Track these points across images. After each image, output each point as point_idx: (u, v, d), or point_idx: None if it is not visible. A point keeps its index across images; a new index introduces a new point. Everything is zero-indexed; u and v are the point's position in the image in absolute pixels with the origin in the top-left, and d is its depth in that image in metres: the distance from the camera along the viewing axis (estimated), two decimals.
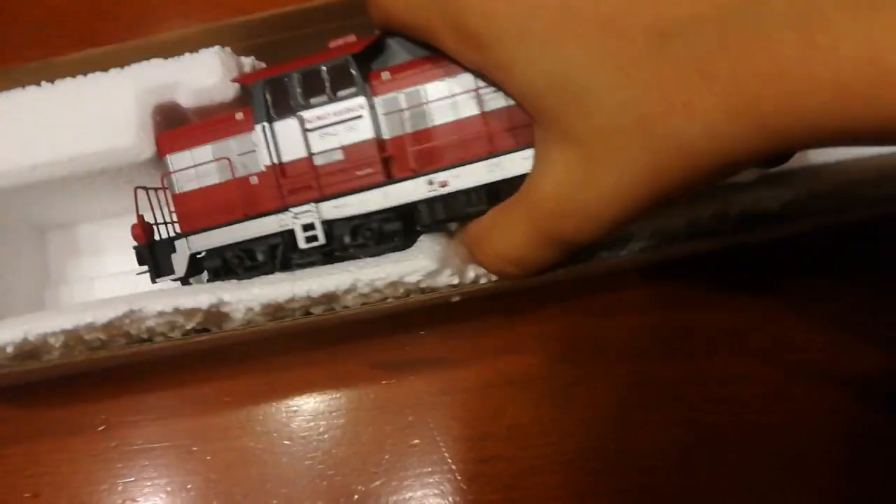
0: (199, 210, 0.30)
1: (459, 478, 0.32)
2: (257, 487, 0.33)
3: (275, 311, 0.29)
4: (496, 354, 0.34)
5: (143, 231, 0.30)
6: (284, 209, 0.29)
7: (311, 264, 0.29)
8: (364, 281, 0.28)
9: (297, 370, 0.34)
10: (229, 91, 0.31)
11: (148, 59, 0.31)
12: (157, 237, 0.31)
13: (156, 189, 0.31)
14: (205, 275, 0.31)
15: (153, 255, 0.30)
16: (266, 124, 0.28)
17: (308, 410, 0.34)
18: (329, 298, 0.28)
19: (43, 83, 0.31)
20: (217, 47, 0.32)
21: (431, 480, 0.32)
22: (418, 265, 0.28)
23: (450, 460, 0.33)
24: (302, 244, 0.29)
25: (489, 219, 0.27)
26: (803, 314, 0.33)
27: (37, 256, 0.36)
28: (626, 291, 0.34)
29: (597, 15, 0.21)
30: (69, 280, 0.36)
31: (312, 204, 0.28)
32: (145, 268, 0.30)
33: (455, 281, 0.29)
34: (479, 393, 0.34)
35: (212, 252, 0.30)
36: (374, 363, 0.34)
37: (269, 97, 0.28)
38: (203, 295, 0.28)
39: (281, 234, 0.29)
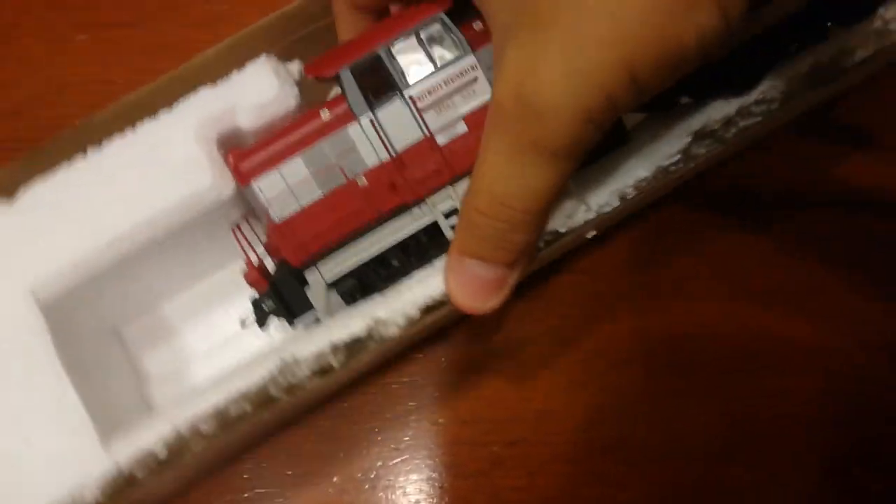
0: (309, 234, 0.26)
1: (481, 460, 0.31)
2: None
3: (433, 307, 0.26)
4: (529, 336, 0.32)
5: (261, 274, 0.26)
6: (417, 202, 0.26)
7: None
8: None
9: None
10: (290, 99, 0.28)
11: (194, 88, 0.28)
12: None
13: (247, 224, 0.27)
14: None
15: (282, 298, 0.26)
16: (370, 114, 0.25)
17: None
18: None
19: (89, 150, 0.27)
20: (263, 56, 0.28)
21: (453, 461, 0.31)
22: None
23: (473, 442, 0.31)
24: (449, 233, 0.26)
25: (473, 173, 0.23)
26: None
27: (121, 359, 0.31)
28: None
29: None
30: (161, 375, 0.32)
31: (449, 187, 0.25)
32: (251, 317, 0.27)
33: (592, 215, 0.26)
34: (509, 374, 0.32)
35: (345, 275, 0.26)
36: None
37: (362, 83, 0.25)
38: (356, 320, 0.25)
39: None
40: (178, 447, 0.24)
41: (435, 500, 0.31)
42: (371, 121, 0.25)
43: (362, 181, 0.25)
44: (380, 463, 0.31)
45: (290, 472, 0.31)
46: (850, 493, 0.31)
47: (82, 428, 0.24)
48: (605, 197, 0.27)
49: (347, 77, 0.25)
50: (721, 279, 0.33)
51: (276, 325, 0.28)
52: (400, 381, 0.32)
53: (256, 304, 0.27)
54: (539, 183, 0.21)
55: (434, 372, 0.32)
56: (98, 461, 0.24)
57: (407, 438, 0.31)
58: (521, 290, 0.30)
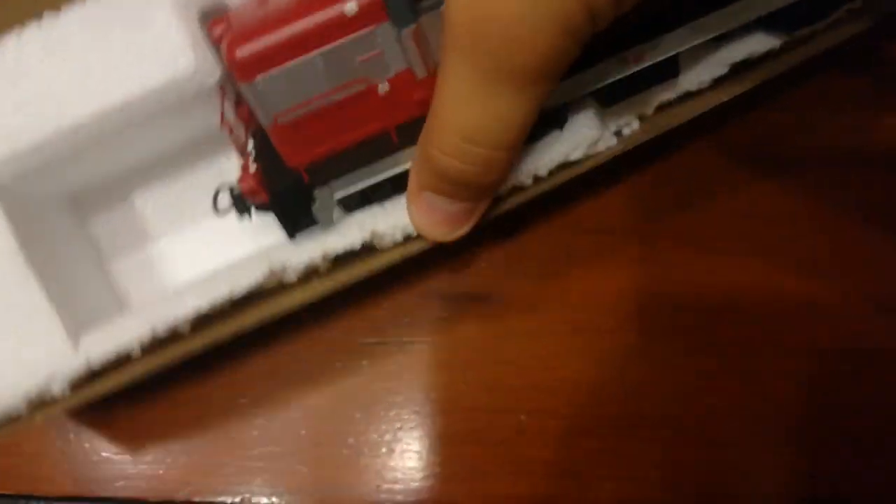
0: (316, 140, 0.23)
1: (505, 429, 0.30)
2: None
3: None
4: (561, 298, 0.31)
5: (259, 184, 0.24)
6: None
7: None
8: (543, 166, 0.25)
9: None
10: None
11: None
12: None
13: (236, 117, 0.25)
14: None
15: (285, 213, 0.24)
16: (413, 19, 0.21)
17: None
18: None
19: (45, 16, 0.24)
20: None
21: (474, 427, 0.30)
22: (584, 137, 0.25)
23: (493, 408, 0.30)
24: None
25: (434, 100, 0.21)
26: None
27: (88, 253, 0.29)
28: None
29: None
30: (133, 274, 0.29)
31: None
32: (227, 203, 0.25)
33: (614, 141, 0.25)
34: (534, 341, 0.31)
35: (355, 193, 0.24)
36: (432, 293, 0.31)
37: None
38: (353, 231, 0.24)
39: None
40: (153, 347, 0.23)
41: (454, 467, 0.30)
42: (412, 29, 0.21)
43: (384, 88, 0.22)
44: (398, 425, 0.30)
45: (303, 432, 0.30)
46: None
47: (50, 324, 0.23)
48: (624, 119, 0.25)
49: None
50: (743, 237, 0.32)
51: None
52: (423, 340, 0.30)
53: (238, 199, 0.25)
54: (510, 114, 0.19)
55: (458, 337, 0.31)
56: (67, 358, 0.23)
57: (428, 402, 0.30)
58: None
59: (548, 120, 0.24)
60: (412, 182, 0.22)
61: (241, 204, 0.25)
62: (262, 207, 0.25)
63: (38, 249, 0.24)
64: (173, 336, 0.23)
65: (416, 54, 0.21)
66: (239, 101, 0.25)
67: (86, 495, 0.30)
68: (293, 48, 0.21)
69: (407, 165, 0.24)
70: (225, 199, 0.26)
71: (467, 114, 0.19)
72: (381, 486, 0.30)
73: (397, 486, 0.30)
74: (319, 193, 0.24)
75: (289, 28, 0.21)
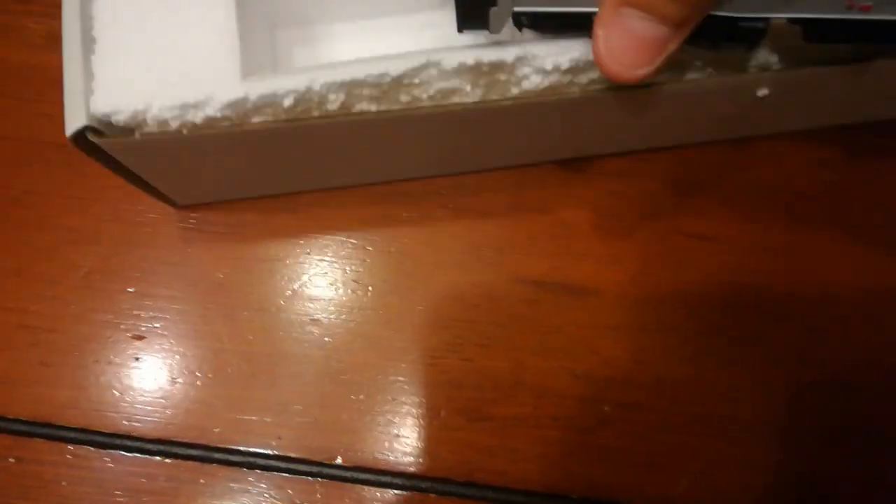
0: None
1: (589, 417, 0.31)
2: None
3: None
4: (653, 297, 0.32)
5: None
6: None
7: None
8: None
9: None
10: None
11: None
12: None
13: None
14: None
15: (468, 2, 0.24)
16: None
17: None
18: None
19: None
20: None
21: (562, 413, 0.31)
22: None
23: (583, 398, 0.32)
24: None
25: None
26: None
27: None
28: None
29: None
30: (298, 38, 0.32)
31: None
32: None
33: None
34: (628, 335, 0.32)
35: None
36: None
37: None
38: (512, 48, 0.25)
39: None
40: (305, 105, 0.25)
41: (537, 449, 0.31)
42: None
43: None
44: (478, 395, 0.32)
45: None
46: None
47: (230, 60, 0.25)
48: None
49: None
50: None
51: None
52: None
53: None
54: None
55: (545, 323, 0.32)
56: (231, 86, 0.25)
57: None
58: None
59: (740, 33, 0.23)
60: (608, 1, 0.21)
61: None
62: None
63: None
64: (323, 101, 0.25)
65: None
66: None
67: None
68: None
69: (593, 8, 0.23)
70: None
71: None
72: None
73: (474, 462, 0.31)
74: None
75: None
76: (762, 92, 0.27)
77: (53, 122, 0.34)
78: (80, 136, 0.24)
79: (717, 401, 0.31)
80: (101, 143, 0.25)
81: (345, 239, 0.33)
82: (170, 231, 0.34)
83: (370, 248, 0.33)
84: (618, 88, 0.26)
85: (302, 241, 0.33)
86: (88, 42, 0.25)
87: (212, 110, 0.25)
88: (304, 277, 0.33)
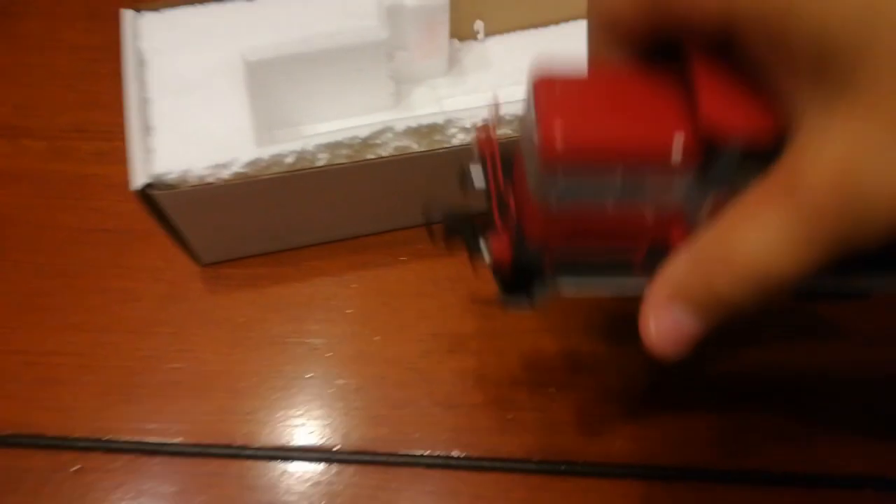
0: (569, 233, 0.23)
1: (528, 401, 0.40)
2: None
3: None
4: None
5: (507, 248, 0.24)
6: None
7: None
8: None
9: None
10: None
11: None
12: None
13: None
14: None
15: (513, 281, 0.25)
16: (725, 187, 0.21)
17: None
18: None
19: None
20: None
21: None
22: None
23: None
24: None
25: (731, 219, 0.20)
26: None
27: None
28: None
29: None
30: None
31: None
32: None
33: None
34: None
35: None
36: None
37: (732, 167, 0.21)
38: (440, 114, 0.36)
39: None
40: (301, 162, 0.36)
41: (498, 426, 0.40)
42: (721, 193, 0.21)
43: (651, 216, 0.22)
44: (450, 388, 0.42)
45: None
46: None
47: (248, 135, 0.36)
48: None
49: (734, 157, 0.20)
50: None
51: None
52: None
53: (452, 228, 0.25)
54: (809, 270, 0.18)
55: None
56: (250, 150, 0.35)
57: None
58: None
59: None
60: (661, 289, 0.22)
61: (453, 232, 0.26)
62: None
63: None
64: (314, 158, 0.36)
65: (705, 213, 0.22)
66: (517, 172, 0.25)
67: None
68: (605, 160, 0.21)
69: (633, 293, 0.23)
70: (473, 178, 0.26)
71: (771, 263, 0.19)
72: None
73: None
74: (541, 278, 0.25)
75: (612, 140, 0.21)
76: None
77: (101, 214, 0.45)
78: (143, 191, 0.34)
79: (638, 372, 0.40)
80: (156, 195, 0.34)
81: (337, 280, 0.43)
82: (197, 285, 0.43)
83: (355, 286, 0.43)
84: None
85: (303, 285, 0.43)
86: (145, 128, 0.36)
87: (236, 167, 0.35)
88: (307, 312, 0.42)
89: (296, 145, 0.35)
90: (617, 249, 0.24)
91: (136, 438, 0.39)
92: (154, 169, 0.34)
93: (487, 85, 0.43)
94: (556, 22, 0.45)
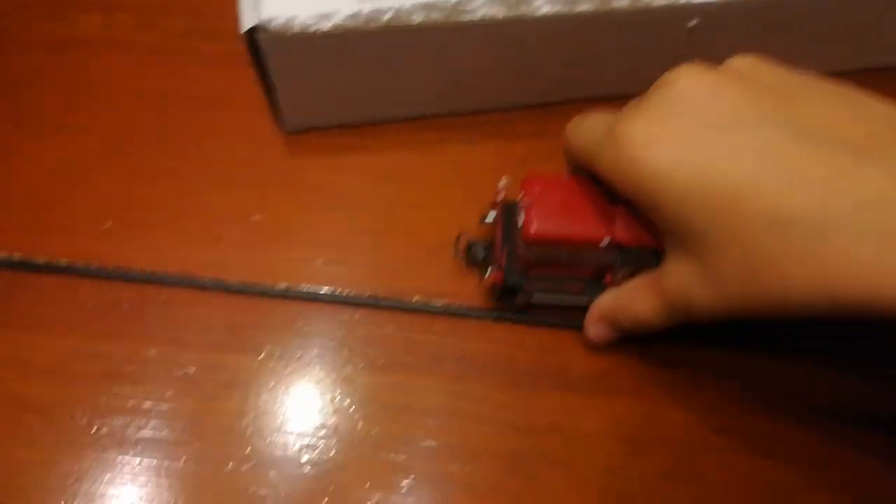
0: (539, 267, 0.37)
1: None
2: None
3: None
4: None
5: (499, 276, 0.38)
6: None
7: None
8: None
9: None
10: None
11: None
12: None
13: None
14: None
15: (505, 292, 0.39)
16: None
17: None
18: None
19: None
20: None
21: None
22: None
23: None
24: None
25: (631, 289, 0.35)
26: None
27: None
28: None
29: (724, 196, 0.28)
30: None
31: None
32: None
33: None
34: None
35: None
36: None
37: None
38: None
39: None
40: (397, 21, 0.38)
41: None
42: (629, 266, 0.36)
43: (590, 266, 0.37)
44: None
45: None
46: None
47: None
48: None
49: (634, 251, 0.35)
50: None
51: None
52: None
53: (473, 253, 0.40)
54: (667, 324, 0.33)
55: None
56: (351, 3, 0.37)
57: None
58: None
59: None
60: (595, 312, 0.38)
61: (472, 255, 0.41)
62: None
63: None
64: (408, 18, 0.38)
65: (622, 275, 0.36)
66: (516, 241, 0.38)
67: None
68: (566, 244, 0.35)
69: (584, 303, 0.38)
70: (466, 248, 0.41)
71: (648, 318, 0.34)
72: None
73: None
74: (524, 291, 0.38)
75: (567, 234, 0.35)
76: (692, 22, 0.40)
77: (191, 81, 0.47)
78: (249, 35, 0.36)
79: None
80: (262, 40, 0.37)
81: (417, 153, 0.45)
82: (280, 149, 0.45)
83: (421, 154, 0.45)
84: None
85: (383, 157, 0.45)
86: None
87: (338, 19, 0.37)
88: (384, 181, 0.44)
89: (394, 2, 0.37)
90: (570, 278, 0.38)
91: (219, 276, 0.41)
92: (262, 14, 0.37)
93: None
94: None
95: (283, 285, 0.41)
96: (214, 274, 0.41)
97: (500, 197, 0.39)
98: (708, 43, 0.42)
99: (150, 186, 0.44)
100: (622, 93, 0.45)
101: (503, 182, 0.39)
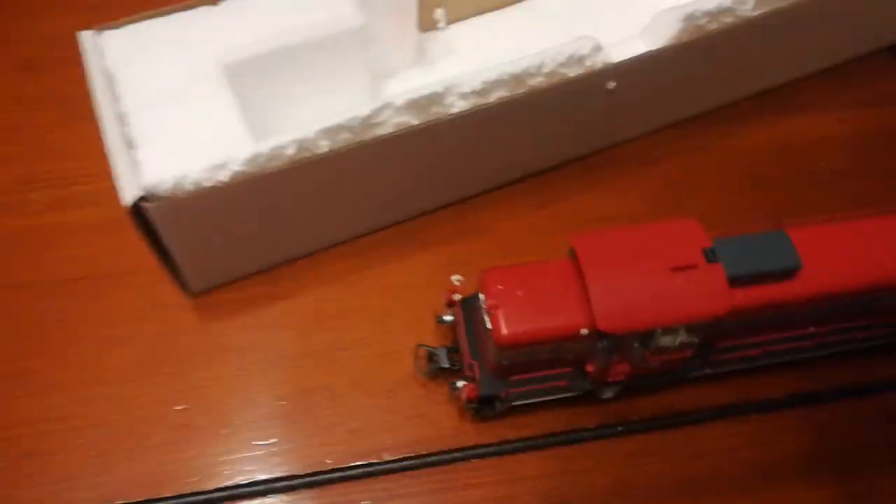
0: (516, 370, 0.33)
1: None
2: None
3: None
4: None
5: (475, 390, 0.34)
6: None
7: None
8: None
9: None
10: None
11: None
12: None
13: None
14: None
15: (482, 404, 0.35)
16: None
17: None
18: None
19: None
20: None
21: None
22: None
23: None
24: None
25: None
26: None
27: None
28: None
29: None
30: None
31: None
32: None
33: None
34: None
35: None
36: None
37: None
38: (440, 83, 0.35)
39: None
40: (302, 152, 0.34)
41: None
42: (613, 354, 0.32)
43: (571, 358, 0.33)
44: None
45: None
46: None
47: (242, 131, 0.34)
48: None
49: (613, 337, 0.31)
50: None
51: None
52: None
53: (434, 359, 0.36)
54: None
55: None
56: (247, 147, 0.33)
57: None
58: None
59: None
60: None
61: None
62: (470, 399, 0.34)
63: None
64: (315, 146, 0.34)
65: (604, 361, 0.33)
66: (485, 344, 0.34)
67: None
68: (543, 342, 0.31)
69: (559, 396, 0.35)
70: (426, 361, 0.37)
71: None
72: None
73: None
74: (502, 400, 0.34)
75: (542, 330, 0.30)
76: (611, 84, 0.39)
77: (67, 263, 0.41)
78: (135, 207, 0.31)
79: None
80: (150, 210, 0.31)
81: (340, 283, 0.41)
82: (190, 315, 0.39)
83: (346, 285, 0.40)
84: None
85: (305, 298, 0.40)
86: (127, 143, 0.33)
87: (235, 166, 0.32)
88: (315, 323, 0.39)
89: (295, 134, 0.33)
90: (550, 375, 0.34)
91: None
92: (145, 181, 0.32)
93: (458, 70, 0.43)
94: (513, 3, 0.46)
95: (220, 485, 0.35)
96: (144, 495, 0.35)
97: (456, 297, 0.35)
98: (627, 99, 0.41)
99: (42, 404, 0.37)
100: (542, 169, 0.43)
101: (456, 279, 0.34)
